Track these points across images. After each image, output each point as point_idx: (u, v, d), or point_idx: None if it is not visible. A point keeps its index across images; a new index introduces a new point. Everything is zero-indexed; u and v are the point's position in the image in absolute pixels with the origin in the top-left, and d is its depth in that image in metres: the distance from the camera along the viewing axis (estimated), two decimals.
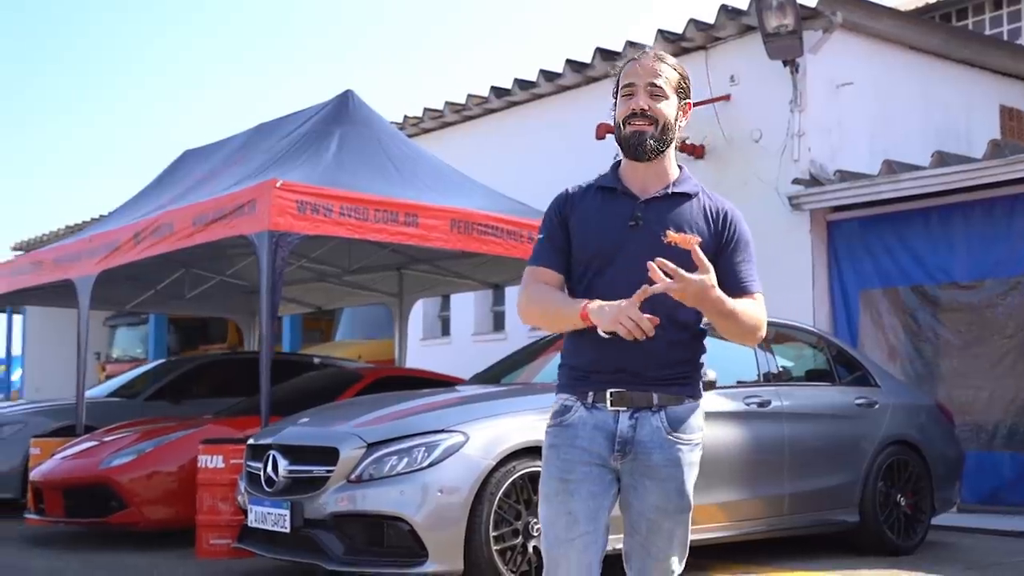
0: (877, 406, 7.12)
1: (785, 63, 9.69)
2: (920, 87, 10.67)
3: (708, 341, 2.90)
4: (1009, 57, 11.42)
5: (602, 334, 2.70)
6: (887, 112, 10.36)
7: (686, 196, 2.86)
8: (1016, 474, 8.66)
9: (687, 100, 2.89)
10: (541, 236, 2.94)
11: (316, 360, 11.39)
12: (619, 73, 2.90)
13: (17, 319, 19.95)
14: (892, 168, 9.04)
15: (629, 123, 2.81)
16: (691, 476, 2.84)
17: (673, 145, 2.87)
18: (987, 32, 13.38)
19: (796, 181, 9.59)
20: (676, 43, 10.47)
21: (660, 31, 10.52)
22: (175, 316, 17.73)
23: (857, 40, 10.20)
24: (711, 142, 10.36)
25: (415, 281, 11.41)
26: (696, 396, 2.87)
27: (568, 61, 11.40)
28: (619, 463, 2.79)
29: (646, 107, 2.79)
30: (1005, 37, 13.17)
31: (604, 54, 11.02)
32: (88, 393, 10.18)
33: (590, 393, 2.81)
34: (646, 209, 2.82)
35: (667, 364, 2.79)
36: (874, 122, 10.26)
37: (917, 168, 9.00)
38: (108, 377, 14.98)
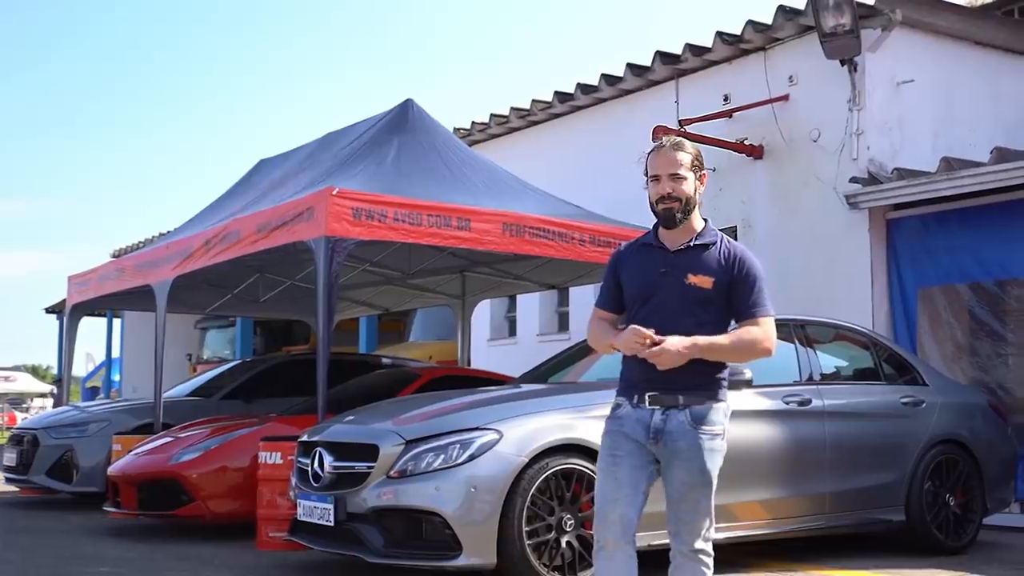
0: (924, 405, 7.11)
1: (843, 62, 9.66)
2: (986, 83, 10.52)
3: None
4: None
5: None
6: (952, 109, 10.24)
7: (705, 246, 3.77)
8: None
9: (702, 172, 3.80)
10: (603, 284, 3.95)
11: (386, 360, 11.70)
12: (646, 159, 3.81)
13: (117, 323, 20.82)
14: (951, 165, 8.96)
15: (660, 203, 3.74)
16: (711, 459, 3.67)
17: (696, 208, 3.78)
18: None
19: (854, 180, 9.55)
20: (735, 45, 10.51)
21: (719, 33, 10.57)
22: (259, 318, 18.30)
23: (918, 37, 10.11)
24: (769, 142, 10.37)
25: (476, 283, 11.69)
26: (717, 398, 3.74)
27: (628, 65, 11.52)
28: (654, 447, 3.68)
29: (671, 191, 3.72)
30: None
31: (664, 57, 11.12)
32: (170, 393, 10.67)
33: (635, 396, 3.74)
34: (674, 259, 3.75)
35: (691, 375, 3.66)
36: (938, 120, 10.14)
37: (977, 165, 8.91)
38: None
